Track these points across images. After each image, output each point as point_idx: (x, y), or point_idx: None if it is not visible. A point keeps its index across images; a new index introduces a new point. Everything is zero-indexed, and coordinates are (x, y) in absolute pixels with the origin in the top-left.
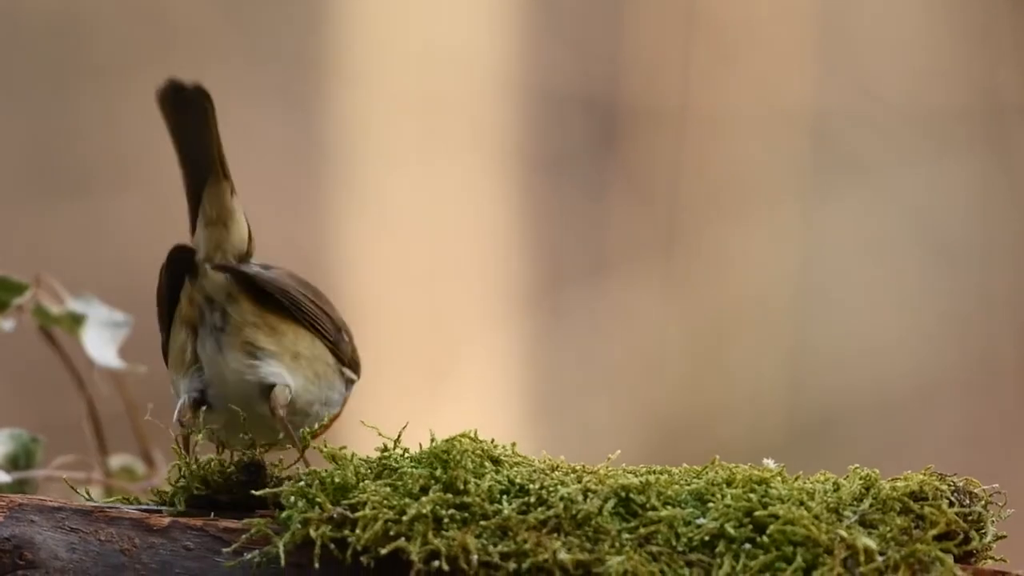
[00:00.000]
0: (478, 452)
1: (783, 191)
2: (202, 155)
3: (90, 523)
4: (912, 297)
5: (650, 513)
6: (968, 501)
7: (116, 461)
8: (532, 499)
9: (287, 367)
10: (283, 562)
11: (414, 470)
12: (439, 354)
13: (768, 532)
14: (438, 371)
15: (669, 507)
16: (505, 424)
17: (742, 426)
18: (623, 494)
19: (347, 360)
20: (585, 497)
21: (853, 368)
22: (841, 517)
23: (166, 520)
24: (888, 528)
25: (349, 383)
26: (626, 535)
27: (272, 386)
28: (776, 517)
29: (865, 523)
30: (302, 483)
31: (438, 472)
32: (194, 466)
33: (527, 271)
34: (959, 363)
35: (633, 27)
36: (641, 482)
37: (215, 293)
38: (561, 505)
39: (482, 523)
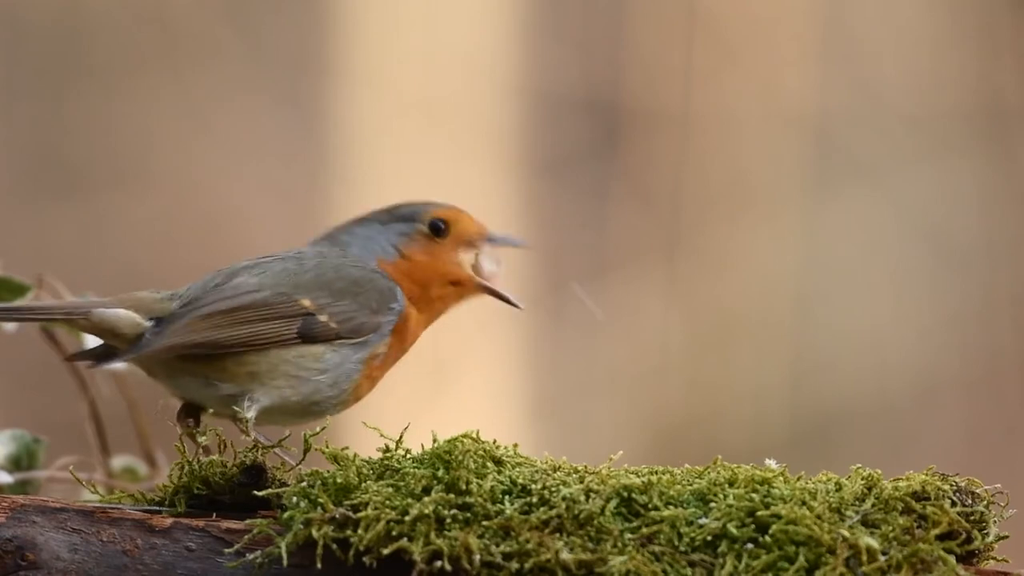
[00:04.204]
0: (480, 453)
1: (785, 193)
2: None
3: (92, 524)
4: (914, 298)
5: (652, 513)
6: (970, 501)
7: (118, 462)
8: (534, 499)
9: (247, 387)
10: (285, 562)
11: (416, 471)
12: (441, 355)
13: (770, 532)
14: (440, 372)
15: (671, 507)
16: (507, 425)
17: (744, 426)
18: (625, 494)
19: (330, 336)
20: (587, 497)
21: (855, 368)
22: (843, 517)
23: (168, 521)
24: (890, 528)
25: (365, 345)
26: (628, 535)
27: (233, 396)
28: (778, 517)
29: (867, 523)
30: (304, 484)
31: (440, 473)
32: (196, 466)
33: (529, 272)
34: (961, 363)
35: (635, 29)
36: (643, 482)
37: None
38: (563, 505)
39: (484, 523)
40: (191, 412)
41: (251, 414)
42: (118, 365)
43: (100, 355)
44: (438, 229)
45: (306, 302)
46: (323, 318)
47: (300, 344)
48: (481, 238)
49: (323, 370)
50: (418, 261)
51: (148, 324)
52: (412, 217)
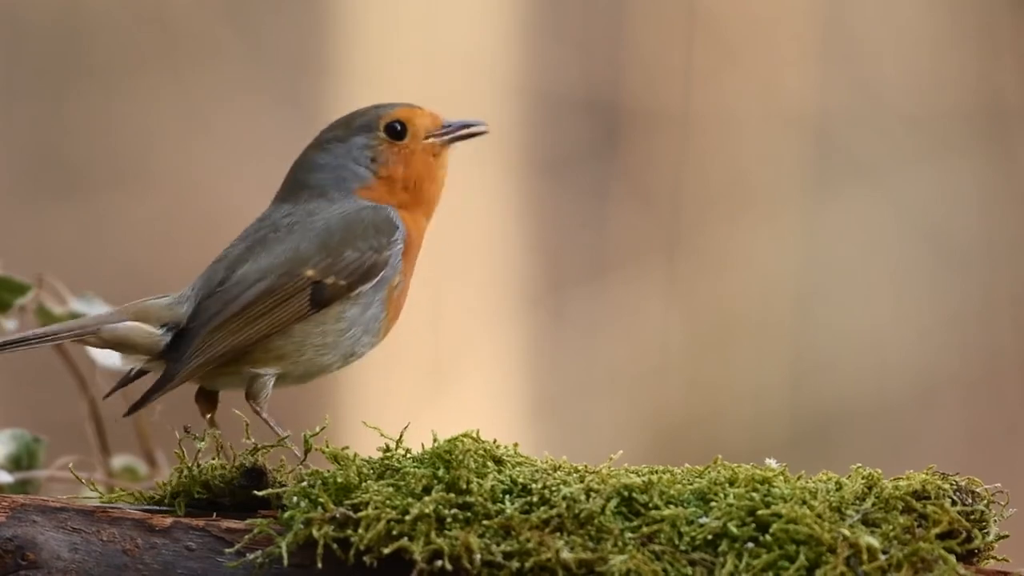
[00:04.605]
0: (480, 452)
1: (785, 192)
2: None
3: (92, 523)
4: (914, 297)
5: (653, 512)
6: (970, 500)
7: (118, 461)
8: (535, 499)
9: (278, 366)
10: (286, 562)
11: (416, 470)
12: (441, 355)
13: (771, 531)
14: (440, 372)
15: (672, 506)
16: (507, 424)
17: (744, 426)
18: (626, 493)
19: (342, 292)
20: (588, 496)
21: (855, 368)
22: (844, 516)
23: (168, 520)
24: (891, 527)
25: (380, 283)
26: (629, 534)
27: (268, 377)
28: (779, 516)
29: (868, 522)
30: (304, 483)
31: (440, 472)
32: (195, 471)
33: (529, 272)
34: (961, 363)
35: (634, 29)
36: (643, 481)
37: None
38: (564, 504)
39: (485, 522)
40: (209, 394)
41: (265, 393)
42: (119, 364)
43: (130, 383)
44: (395, 131)
45: (310, 272)
46: (330, 280)
47: (317, 312)
48: (437, 128)
49: (348, 327)
50: (395, 174)
51: (160, 332)
52: (368, 127)
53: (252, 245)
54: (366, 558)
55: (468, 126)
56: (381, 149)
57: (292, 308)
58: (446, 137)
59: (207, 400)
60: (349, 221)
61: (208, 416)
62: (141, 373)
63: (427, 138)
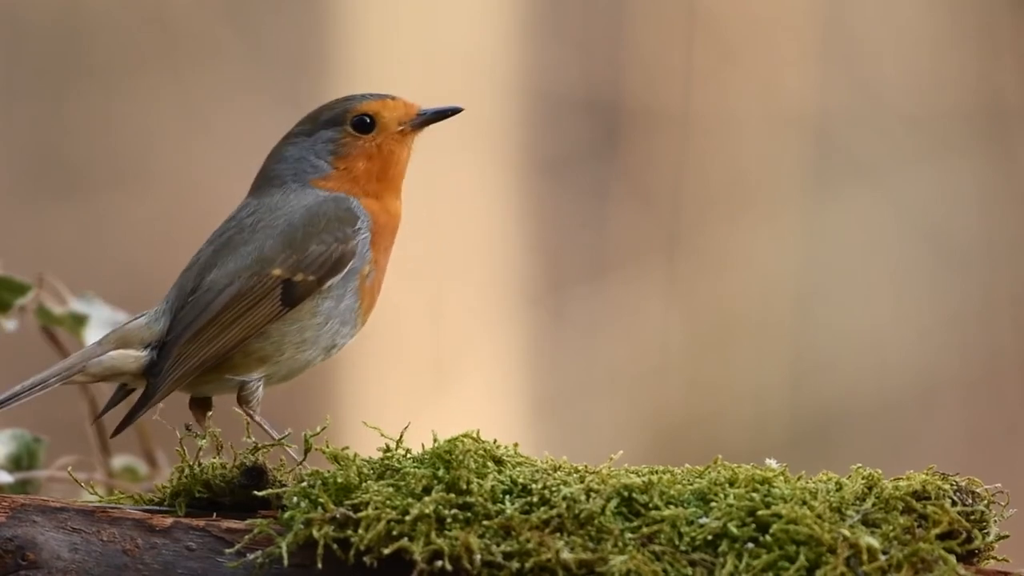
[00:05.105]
0: (480, 452)
1: (785, 192)
2: None
3: (92, 523)
4: (914, 297)
5: (653, 512)
6: (971, 500)
7: (118, 461)
8: (535, 499)
9: (261, 368)
10: (286, 562)
11: (416, 470)
12: (441, 355)
13: (771, 531)
14: (440, 371)
15: (672, 507)
16: (507, 424)
17: (744, 426)
18: (626, 494)
19: (312, 287)
20: (588, 497)
21: (855, 368)
22: (844, 516)
23: (168, 520)
24: (891, 527)
25: (350, 274)
26: (629, 534)
27: (255, 381)
28: (779, 516)
29: (868, 522)
30: (304, 484)
31: (440, 472)
32: (196, 470)
33: (529, 272)
34: (961, 363)
35: (635, 29)
36: (644, 482)
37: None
38: (564, 505)
39: (485, 523)
40: (201, 401)
41: (256, 397)
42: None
43: (119, 401)
44: (363, 125)
45: (277, 271)
46: (298, 277)
47: (291, 310)
48: (411, 119)
49: (324, 320)
50: (354, 167)
51: (144, 354)
52: (335, 120)
53: (219, 248)
54: (366, 558)
55: (442, 112)
56: (344, 143)
57: (264, 309)
58: (417, 121)
59: (200, 406)
60: (311, 215)
61: (204, 420)
62: (128, 392)
63: (399, 128)
